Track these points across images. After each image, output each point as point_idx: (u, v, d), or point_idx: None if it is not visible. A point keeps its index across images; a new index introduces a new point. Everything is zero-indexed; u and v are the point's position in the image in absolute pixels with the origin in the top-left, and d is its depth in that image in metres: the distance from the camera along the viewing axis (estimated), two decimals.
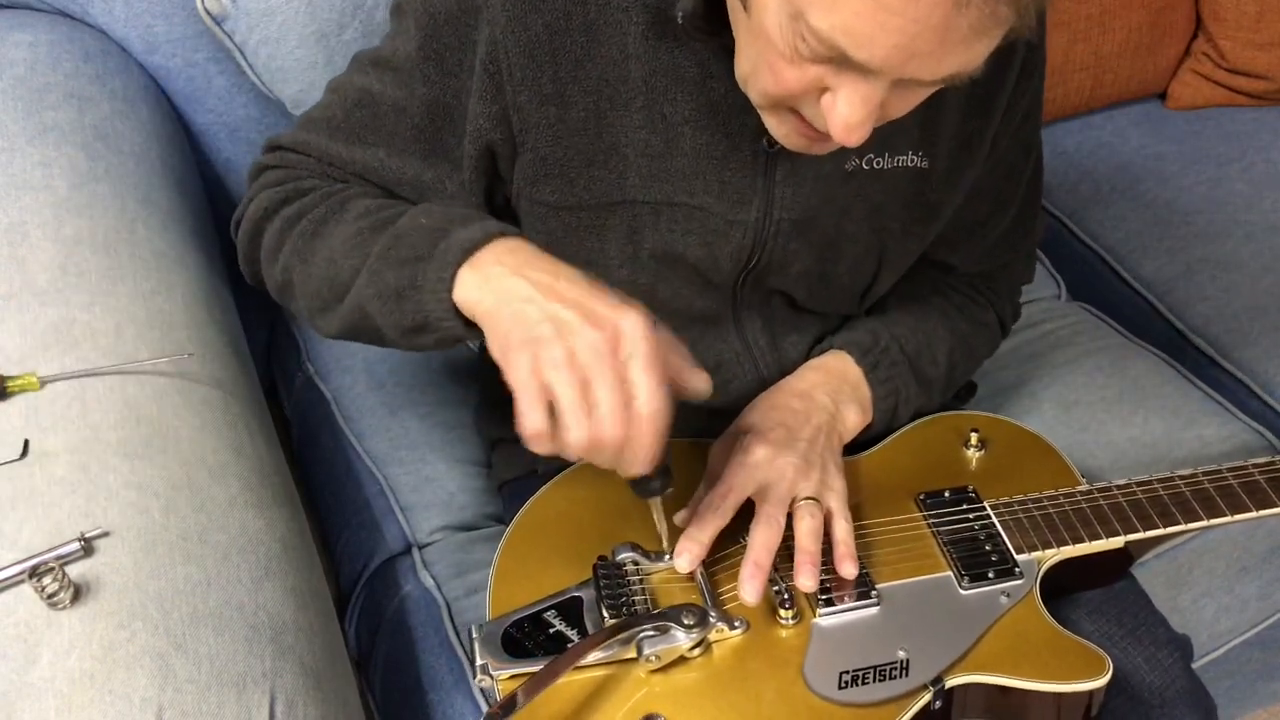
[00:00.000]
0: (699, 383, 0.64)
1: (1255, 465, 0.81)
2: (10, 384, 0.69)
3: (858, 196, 0.76)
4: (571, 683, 0.68)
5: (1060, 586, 0.78)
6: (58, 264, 0.77)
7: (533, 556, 0.76)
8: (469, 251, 0.64)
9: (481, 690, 0.79)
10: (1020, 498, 0.79)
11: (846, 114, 0.57)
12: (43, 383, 0.70)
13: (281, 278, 0.75)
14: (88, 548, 0.62)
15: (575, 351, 0.59)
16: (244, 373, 0.85)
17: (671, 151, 0.72)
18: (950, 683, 0.69)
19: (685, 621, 0.69)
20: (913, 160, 0.76)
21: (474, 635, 0.71)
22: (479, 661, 0.69)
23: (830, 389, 0.81)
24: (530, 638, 0.70)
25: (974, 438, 0.84)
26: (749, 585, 0.70)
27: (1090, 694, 0.70)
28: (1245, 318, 1.17)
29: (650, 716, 0.67)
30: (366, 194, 0.74)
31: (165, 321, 0.78)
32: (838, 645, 0.70)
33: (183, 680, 0.58)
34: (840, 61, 0.56)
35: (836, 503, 0.75)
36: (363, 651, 0.91)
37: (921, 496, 0.80)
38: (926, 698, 0.68)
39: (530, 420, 0.59)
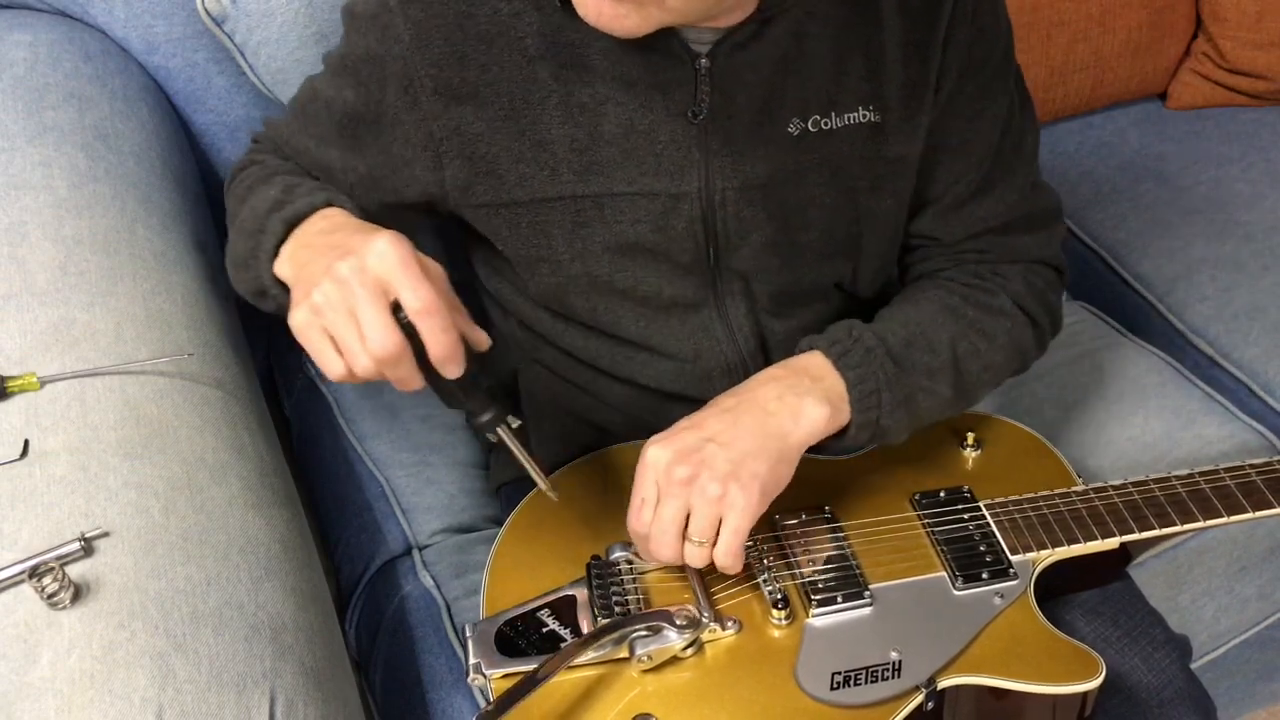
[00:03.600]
0: (477, 336, 0.66)
1: (1253, 466, 0.81)
2: (10, 384, 0.69)
3: (813, 160, 0.76)
4: (564, 682, 0.68)
5: (1057, 586, 0.78)
6: (58, 264, 0.77)
7: (527, 555, 0.76)
8: (291, 225, 0.70)
9: (480, 690, 0.79)
10: (1016, 498, 0.79)
11: None
12: (43, 383, 0.70)
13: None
14: (88, 548, 0.62)
15: (332, 286, 0.62)
16: (244, 373, 0.85)
17: (597, 141, 0.73)
18: (943, 684, 0.69)
19: (678, 622, 0.69)
20: (864, 115, 0.75)
21: (467, 634, 0.71)
22: (472, 660, 0.69)
23: (784, 386, 0.74)
24: (524, 636, 0.71)
25: (970, 437, 0.84)
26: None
27: (1084, 696, 0.70)
28: (1245, 318, 1.17)
29: (642, 716, 0.67)
30: (294, 171, 0.80)
31: (165, 321, 0.78)
32: (830, 646, 0.70)
33: (183, 680, 0.58)
34: None
35: (727, 530, 0.69)
36: (363, 652, 0.91)
37: (916, 496, 0.80)
38: (919, 699, 0.68)
39: (331, 369, 0.63)
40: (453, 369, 0.63)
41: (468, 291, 0.95)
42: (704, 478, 0.69)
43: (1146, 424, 1.05)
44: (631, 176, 0.74)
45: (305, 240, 0.69)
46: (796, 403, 0.73)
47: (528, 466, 0.69)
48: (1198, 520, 0.78)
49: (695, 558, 0.70)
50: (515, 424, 0.68)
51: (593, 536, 0.77)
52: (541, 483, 0.70)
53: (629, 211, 0.75)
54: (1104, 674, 0.69)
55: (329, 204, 0.71)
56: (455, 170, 0.74)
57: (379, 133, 0.75)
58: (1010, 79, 0.81)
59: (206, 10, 0.93)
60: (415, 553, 0.93)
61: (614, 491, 0.80)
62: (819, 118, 0.74)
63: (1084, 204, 1.33)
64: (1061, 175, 1.36)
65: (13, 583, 0.60)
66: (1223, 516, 0.78)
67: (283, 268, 0.70)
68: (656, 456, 0.70)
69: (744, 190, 0.75)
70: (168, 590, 0.62)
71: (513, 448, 0.68)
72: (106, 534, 0.63)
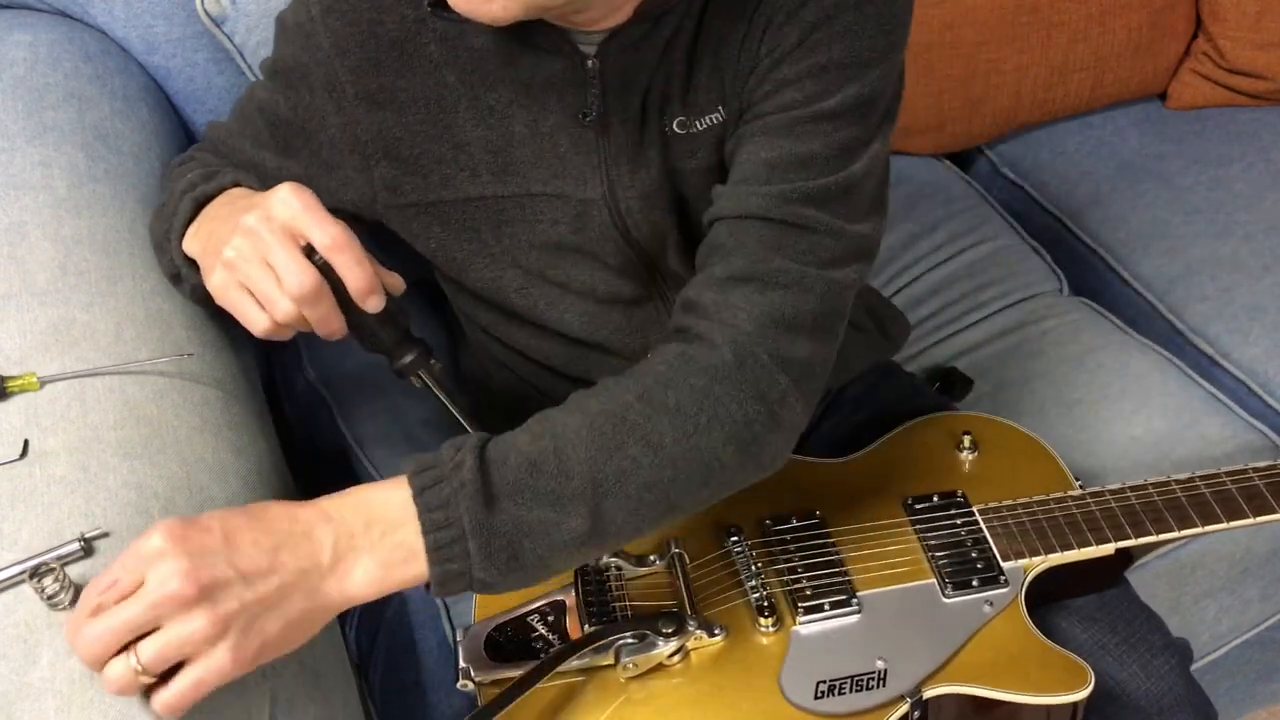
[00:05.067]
0: (392, 280, 0.68)
1: (1255, 469, 0.80)
2: (10, 384, 0.69)
3: (684, 159, 0.75)
4: (550, 688, 0.68)
5: (1053, 591, 0.78)
6: (57, 264, 0.77)
7: None
8: (201, 204, 0.73)
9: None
10: (1010, 502, 0.79)
11: None
12: (42, 383, 0.70)
13: None
14: (88, 548, 0.62)
15: (242, 240, 0.64)
16: (244, 373, 0.85)
17: (510, 142, 0.73)
18: (928, 693, 0.68)
19: (663, 629, 0.69)
20: (716, 117, 0.73)
21: (458, 638, 0.71)
22: (461, 665, 0.70)
23: (346, 531, 0.59)
24: (513, 641, 0.71)
25: (966, 439, 0.84)
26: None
27: (1073, 706, 0.69)
28: (1245, 318, 1.17)
29: None
30: (223, 164, 0.80)
31: (165, 321, 0.78)
32: (816, 654, 0.70)
33: None
34: None
35: (189, 677, 0.55)
36: (363, 653, 0.92)
37: (909, 500, 0.80)
38: (904, 709, 0.67)
39: (254, 324, 0.65)
40: (374, 301, 0.64)
41: (438, 297, 0.95)
42: (206, 611, 0.54)
43: (1149, 423, 1.05)
44: (545, 178, 0.74)
45: (211, 215, 0.71)
46: (348, 562, 0.59)
47: (452, 409, 0.70)
48: (1196, 526, 0.77)
49: (119, 683, 0.54)
50: (437, 366, 0.69)
51: None
52: (467, 425, 0.70)
53: (547, 212, 0.75)
54: (1092, 684, 0.69)
55: (236, 184, 0.73)
56: (383, 170, 0.76)
57: (308, 137, 0.77)
58: (843, 83, 0.67)
59: (206, 11, 0.93)
60: None
61: None
62: (683, 119, 0.73)
63: (1084, 204, 1.32)
64: (1061, 175, 1.36)
65: (13, 583, 0.61)
66: (1223, 522, 0.77)
67: (190, 244, 0.72)
68: (162, 549, 0.55)
69: (644, 198, 0.74)
70: None
71: (435, 390, 0.69)
72: (106, 534, 0.63)
